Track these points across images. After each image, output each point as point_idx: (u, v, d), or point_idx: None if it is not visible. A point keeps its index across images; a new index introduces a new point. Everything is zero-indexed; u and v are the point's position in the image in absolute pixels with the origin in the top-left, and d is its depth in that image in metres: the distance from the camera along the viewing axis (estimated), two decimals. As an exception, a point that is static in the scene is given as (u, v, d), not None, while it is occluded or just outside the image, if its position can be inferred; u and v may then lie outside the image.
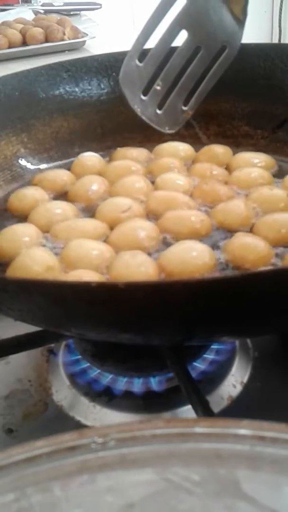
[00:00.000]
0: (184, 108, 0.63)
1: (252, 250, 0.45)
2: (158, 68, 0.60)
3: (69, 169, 0.63)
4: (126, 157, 0.64)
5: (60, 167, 0.67)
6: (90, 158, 0.64)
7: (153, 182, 0.58)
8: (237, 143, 0.67)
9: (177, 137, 0.69)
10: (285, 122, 0.66)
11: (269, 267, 0.45)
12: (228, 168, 0.62)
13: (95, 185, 0.58)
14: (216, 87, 0.68)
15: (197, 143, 0.68)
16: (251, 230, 0.50)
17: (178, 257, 0.44)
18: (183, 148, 0.66)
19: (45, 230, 0.51)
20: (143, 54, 0.59)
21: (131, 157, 0.64)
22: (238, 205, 0.52)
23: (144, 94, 0.60)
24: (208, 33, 0.59)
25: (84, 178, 0.59)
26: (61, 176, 0.61)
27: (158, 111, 0.61)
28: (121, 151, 0.65)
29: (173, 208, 0.52)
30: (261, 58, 0.68)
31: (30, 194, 0.57)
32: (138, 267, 0.43)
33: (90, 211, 0.56)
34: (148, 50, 0.59)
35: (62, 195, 0.59)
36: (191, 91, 0.63)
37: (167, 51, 0.59)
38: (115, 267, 0.44)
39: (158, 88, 0.60)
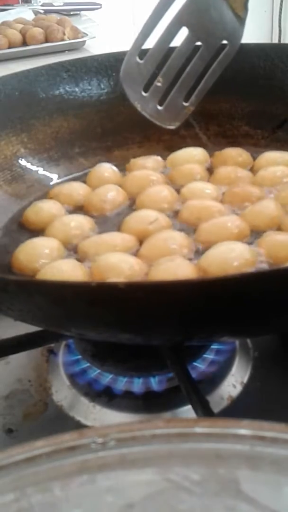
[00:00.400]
0: (185, 104, 0.63)
1: (285, 247, 0.46)
2: (159, 65, 0.60)
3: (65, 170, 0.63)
4: (142, 167, 0.63)
5: (60, 167, 0.67)
6: (106, 169, 0.63)
7: (177, 191, 0.58)
8: (237, 143, 0.67)
9: (176, 137, 0.69)
10: (285, 122, 0.66)
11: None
12: (252, 169, 0.62)
13: (110, 195, 0.57)
14: (216, 87, 0.68)
15: (197, 143, 0.69)
16: (278, 228, 0.50)
17: (218, 258, 0.44)
18: (197, 153, 0.65)
19: (63, 244, 0.51)
20: (143, 52, 0.59)
21: (146, 167, 0.63)
22: (267, 206, 0.52)
23: (145, 91, 0.60)
24: (208, 30, 0.59)
25: (100, 188, 0.59)
26: (77, 189, 0.60)
27: (159, 107, 0.61)
28: (136, 161, 0.65)
29: (207, 216, 0.51)
30: (261, 58, 0.68)
31: (47, 208, 0.57)
32: (176, 271, 0.43)
33: (106, 222, 0.55)
34: (148, 48, 0.59)
35: (79, 208, 0.58)
36: (191, 88, 0.63)
37: (167, 48, 0.59)
38: (153, 273, 0.44)
39: (159, 84, 0.60)
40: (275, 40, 2.76)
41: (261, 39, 0.70)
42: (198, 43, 0.60)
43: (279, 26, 2.76)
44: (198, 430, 0.20)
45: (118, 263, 0.45)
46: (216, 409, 0.44)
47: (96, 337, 0.42)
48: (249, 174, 0.60)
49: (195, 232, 0.50)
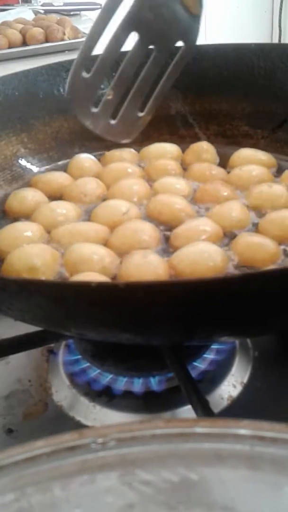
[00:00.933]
0: (140, 114, 0.58)
1: (259, 249, 0.46)
2: (108, 76, 0.55)
3: (65, 171, 0.63)
4: (118, 159, 0.63)
5: (60, 167, 0.67)
6: (86, 160, 0.64)
7: (151, 185, 0.58)
8: (237, 143, 0.67)
9: (176, 137, 0.69)
10: (285, 122, 0.66)
11: (278, 265, 0.45)
12: (230, 165, 0.62)
13: (90, 187, 0.58)
14: (216, 87, 0.68)
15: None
16: (256, 229, 0.50)
17: (190, 258, 0.44)
18: (170, 149, 0.65)
19: (48, 231, 0.51)
20: (90, 64, 0.53)
21: (123, 159, 0.63)
22: (234, 207, 0.51)
23: (95, 106, 0.54)
24: (160, 32, 0.53)
25: (78, 180, 0.59)
26: (56, 178, 0.61)
27: (112, 122, 0.56)
28: (113, 153, 0.65)
29: (171, 213, 0.52)
30: (261, 58, 0.68)
31: (31, 196, 0.57)
32: (148, 267, 0.43)
33: (88, 213, 0.55)
34: (95, 58, 0.53)
35: (59, 197, 0.58)
36: (146, 95, 0.57)
37: (116, 57, 0.53)
38: (124, 267, 0.44)
39: (110, 97, 0.54)
40: (275, 40, 2.76)
41: (261, 39, 0.69)
42: (150, 46, 0.54)
43: (279, 26, 2.76)
44: (198, 430, 0.20)
45: (90, 254, 0.45)
46: (216, 409, 0.44)
47: (96, 337, 0.42)
48: (223, 172, 0.60)
49: (170, 237, 0.50)
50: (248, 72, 0.68)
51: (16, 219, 0.55)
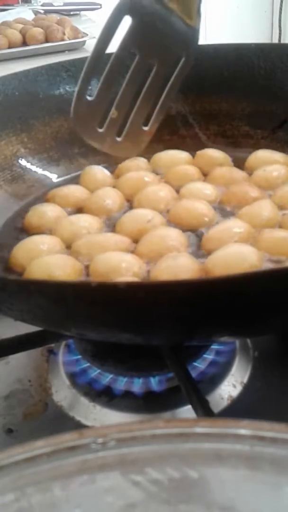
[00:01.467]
0: (145, 128, 0.58)
1: (285, 243, 0.46)
2: (111, 96, 0.55)
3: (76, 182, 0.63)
4: (133, 169, 0.63)
5: (59, 167, 0.67)
6: (99, 171, 0.63)
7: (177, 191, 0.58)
8: (237, 143, 0.68)
9: (176, 137, 0.69)
10: (285, 122, 0.66)
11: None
12: (246, 167, 0.62)
13: (112, 198, 0.57)
14: (216, 87, 0.68)
15: (196, 143, 0.69)
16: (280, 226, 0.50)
17: (224, 260, 0.44)
18: (182, 156, 0.65)
19: (69, 244, 0.51)
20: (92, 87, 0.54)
21: (138, 168, 0.63)
22: (264, 207, 0.52)
23: (100, 127, 0.55)
24: (160, 48, 0.53)
25: (99, 191, 0.58)
26: (73, 192, 0.60)
27: (118, 139, 0.57)
28: (125, 164, 0.64)
29: (193, 217, 0.52)
30: (261, 58, 0.68)
31: (50, 211, 0.56)
32: (178, 270, 0.43)
33: (109, 225, 0.55)
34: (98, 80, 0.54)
35: (78, 211, 0.58)
36: (150, 109, 0.58)
37: (118, 78, 0.54)
38: (155, 272, 0.44)
39: (114, 116, 0.55)
40: (275, 40, 2.76)
41: (261, 39, 0.69)
42: (151, 63, 0.55)
43: (279, 26, 2.76)
44: (198, 430, 0.20)
45: (119, 262, 0.45)
46: (216, 409, 0.44)
47: (96, 337, 0.42)
48: (244, 175, 0.60)
49: (202, 240, 0.50)
50: (248, 72, 0.68)
51: (35, 234, 0.55)
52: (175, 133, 0.69)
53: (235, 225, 0.49)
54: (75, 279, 0.45)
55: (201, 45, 0.61)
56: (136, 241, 0.50)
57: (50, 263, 0.46)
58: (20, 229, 0.57)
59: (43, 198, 0.62)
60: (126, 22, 0.52)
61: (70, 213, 0.57)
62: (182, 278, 0.42)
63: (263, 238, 0.47)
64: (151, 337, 0.37)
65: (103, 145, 0.56)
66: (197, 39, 0.55)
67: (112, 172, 0.64)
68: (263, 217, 0.51)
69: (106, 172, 0.64)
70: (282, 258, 0.45)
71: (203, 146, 0.67)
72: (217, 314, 0.32)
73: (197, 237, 0.51)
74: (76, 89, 0.53)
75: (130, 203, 0.58)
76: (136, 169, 0.63)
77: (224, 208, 0.55)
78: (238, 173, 0.60)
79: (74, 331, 0.38)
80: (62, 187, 0.62)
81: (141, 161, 0.64)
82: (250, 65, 0.68)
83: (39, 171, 0.67)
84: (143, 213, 0.53)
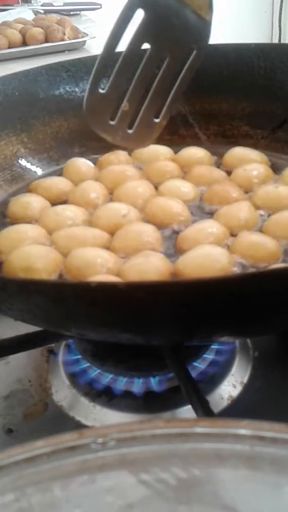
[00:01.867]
0: (156, 120, 0.58)
1: (260, 248, 0.46)
2: (123, 90, 0.55)
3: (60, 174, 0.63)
4: (114, 163, 0.63)
5: (59, 167, 0.67)
6: (83, 164, 0.64)
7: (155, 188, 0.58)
8: (237, 143, 0.67)
9: (176, 137, 0.69)
10: (285, 122, 0.66)
11: (280, 264, 0.45)
12: (224, 165, 0.62)
13: (96, 191, 0.57)
14: (216, 87, 0.68)
15: (196, 143, 0.69)
16: (261, 230, 0.50)
17: (195, 261, 0.44)
18: (163, 151, 0.65)
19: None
20: (104, 80, 0.54)
21: (120, 162, 0.63)
22: (242, 208, 0.52)
23: (112, 119, 0.55)
24: (173, 40, 0.54)
25: (83, 184, 0.59)
26: (56, 183, 0.60)
27: (129, 131, 0.57)
28: (107, 157, 0.65)
29: (167, 216, 0.52)
30: (261, 58, 0.68)
31: (34, 201, 0.56)
32: (149, 267, 0.43)
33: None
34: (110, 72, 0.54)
35: (59, 202, 0.58)
36: (161, 102, 0.58)
37: (130, 70, 0.54)
38: (126, 268, 0.44)
39: (126, 109, 0.55)
40: (275, 40, 2.76)
41: (261, 39, 0.69)
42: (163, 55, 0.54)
43: (279, 26, 2.76)
44: (198, 430, 0.20)
45: (94, 258, 0.45)
46: (216, 409, 0.44)
47: (96, 337, 0.43)
48: (224, 174, 0.60)
49: (177, 240, 0.50)
50: (248, 72, 0.68)
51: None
52: (175, 133, 0.69)
53: (211, 226, 0.49)
54: (53, 271, 0.45)
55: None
56: (112, 235, 0.50)
57: (31, 254, 0.46)
58: (6, 217, 0.57)
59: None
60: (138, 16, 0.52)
61: (52, 205, 0.57)
62: (150, 278, 0.42)
63: (238, 241, 0.47)
64: (151, 337, 0.37)
65: (115, 137, 0.56)
66: (209, 31, 0.55)
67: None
68: (240, 218, 0.50)
69: (90, 164, 0.64)
70: (257, 263, 0.45)
71: (203, 146, 0.67)
72: (216, 314, 0.32)
73: (173, 234, 0.51)
74: (89, 82, 0.53)
75: (112, 196, 0.58)
76: (117, 162, 0.63)
77: (203, 207, 0.55)
78: (218, 172, 0.60)
79: (74, 331, 0.38)
80: (45, 178, 0.62)
81: (121, 154, 0.64)
82: (250, 65, 0.68)
83: (39, 171, 0.67)
84: (118, 207, 0.53)
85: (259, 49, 0.69)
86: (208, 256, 0.44)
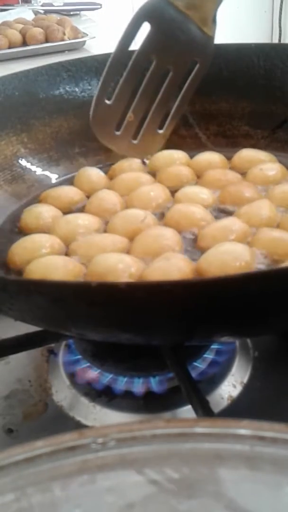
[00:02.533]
0: (160, 131, 0.60)
1: (281, 243, 0.46)
2: (128, 101, 0.57)
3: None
4: (127, 170, 0.63)
5: (59, 167, 0.67)
6: (94, 173, 0.63)
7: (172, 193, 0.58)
8: (237, 143, 0.67)
9: (176, 137, 0.69)
10: (285, 122, 0.66)
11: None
12: (233, 168, 0.62)
13: (113, 199, 0.57)
14: (216, 87, 0.68)
15: (196, 143, 0.69)
16: (278, 227, 0.50)
17: (219, 259, 0.44)
18: (178, 156, 0.65)
19: (67, 243, 0.51)
20: (110, 92, 0.56)
21: (132, 170, 0.63)
22: (262, 206, 0.52)
23: (117, 130, 0.57)
24: (176, 53, 0.55)
25: (100, 193, 0.58)
26: (66, 192, 0.60)
27: (134, 142, 0.58)
28: (120, 165, 0.64)
29: (192, 223, 0.51)
30: (261, 58, 0.68)
31: (45, 211, 0.56)
32: (170, 270, 0.43)
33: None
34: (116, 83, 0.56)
35: (69, 212, 0.57)
36: (165, 113, 0.60)
37: (136, 82, 0.55)
38: (148, 272, 0.44)
39: (131, 120, 0.57)
40: (275, 40, 2.76)
41: (261, 39, 0.69)
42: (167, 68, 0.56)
43: (279, 26, 2.76)
44: (198, 430, 0.20)
45: (116, 264, 0.45)
46: (216, 409, 0.44)
47: (96, 337, 0.42)
48: (238, 176, 0.60)
49: (197, 238, 0.50)
50: (248, 72, 0.68)
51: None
52: (175, 133, 0.69)
53: (231, 223, 0.49)
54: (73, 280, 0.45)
55: None
56: (131, 241, 0.50)
57: (49, 265, 0.46)
58: (19, 229, 0.57)
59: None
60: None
61: (63, 214, 0.57)
62: (174, 279, 0.42)
63: (260, 237, 0.47)
64: (151, 337, 0.37)
65: (120, 148, 0.58)
66: (211, 46, 0.56)
67: (106, 172, 0.64)
68: (262, 216, 0.51)
69: (101, 173, 0.63)
70: (279, 258, 0.45)
71: (203, 146, 0.67)
72: (217, 314, 0.32)
73: (192, 236, 0.51)
74: (96, 93, 0.55)
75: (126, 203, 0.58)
76: (129, 170, 0.63)
77: (222, 209, 0.55)
78: (233, 175, 0.60)
79: (74, 331, 0.38)
80: (55, 188, 0.62)
81: (134, 161, 0.64)
82: (250, 65, 0.68)
83: (39, 171, 0.67)
84: (135, 213, 0.53)
85: (259, 49, 0.69)
86: (231, 253, 0.44)
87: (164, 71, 0.55)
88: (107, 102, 0.55)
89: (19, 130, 0.66)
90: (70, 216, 0.55)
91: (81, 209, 0.58)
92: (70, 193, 0.60)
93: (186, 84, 0.57)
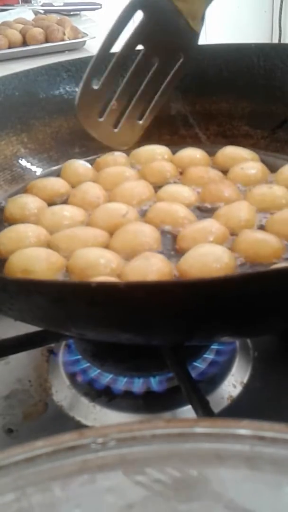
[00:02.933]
0: (139, 122, 0.60)
1: (263, 245, 0.46)
2: (114, 88, 0.58)
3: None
4: (111, 164, 0.64)
5: (59, 166, 0.67)
6: (80, 165, 0.64)
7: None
8: (237, 143, 0.68)
9: (176, 137, 0.70)
10: (285, 122, 0.66)
11: (283, 262, 0.45)
12: (217, 164, 0.63)
13: (96, 192, 0.57)
14: (216, 87, 0.68)
15: (196, 143, 0.69)
16: (261, 229, 0.50)
17: (199, 261, 0.44)
18: (160, 151, 0.65)
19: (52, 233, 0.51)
20: (98, 78, 0.56)
21: (117, 163, 0.64)
22: (241, 208, 0.52)
23: (100, 116, 0.58)
24: (164, 46, 0.56)
25: (83, 185, 0.58)
26: (52, 184, 0.60)
27: (115, 130, 0.59)
28: (104, 158, 0.65)
29: (175, 221, 0.52)
30: (261, 58, 0.68)
31: (30, 201, 0.56)
32: (151, 268, 0.43)
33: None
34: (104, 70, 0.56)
35: (54, 203, 0.58)
36: (146, 105, 0.60)
37: (123, 70, 0.56)
38: (127, 271, 0.44)
39: (114, 108, 0.58)
40: (275, 40, 2.76)
41: (261, 39, 0.69)
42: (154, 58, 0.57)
43: (279, 26, 2.76)
44: (198, 430, 0.20)
45: (97, 259, 0.45)
46: (216, 409, 0.44)
47: (96, 337, 0.43)
48: (220, 174, 0.60)
49: (177, 238, 0.50)
50: (248, 72, 0.68)
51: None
52: (175, 133, 0.69)
53: (211, 226, 0.49)
54: (54, 274, 0.45)
55: (201, 45, 0.62)
56: (111, 234, 0.50)
57: (31, 256, 0.46)
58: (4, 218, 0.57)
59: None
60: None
61: (49, 205, 0.57)
62: (151, 279, 0.42)
63: (240, 239, 0.47)
64: (151, 337, 0.37)
65: (100, 135, 0.58)
66: (196, 42, 0.57)
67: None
68: (241, 218, 0.51)
69: (87, 165, 0.64)
70: (258, 260, 0.46)
71: (202, 146, 0.67)
72: (217, 314, 0.32)
73: (172, 234, 0.51)
74: (84, 77, 0.54)
75: (109, 196, 0.58)
76: (114, 163, 0.63)
77: (200, 207, 0.55)
78: (214, 172, 0.60)
79: (74, 331, 0.38)
80: (41, 179, 0.62)
81: (119, 155, 0.64)
82: (250, 65, 0.68)
83: (39, 171, 0.67)
84: (118, 207, 0.53)
85: (259, 49, 0.69)
86: (211, 254, 0.44)
87: (149, 62, 0.56)
88: (94, 87, 0.55)
89: (19, 130, 0.66)
90: (56, 208, 0.55)
91: (66, 201, 0.58)
92: (57, 184, 0.60)
93: (168, 78, 0.57)
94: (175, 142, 0.68)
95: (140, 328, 0.35)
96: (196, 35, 0.56)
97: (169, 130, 0.70)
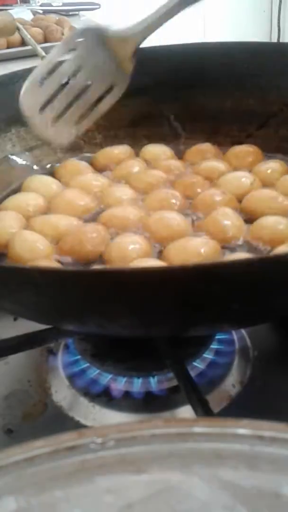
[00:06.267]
0: (75, 126, 0.62)
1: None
2: (54, 93, 0.60)
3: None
4: (109, 157, 0.66)
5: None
6: (77, 164, 0.66)
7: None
8: (221, 141, 0.67)
9: (171, 136, 0.70)
10: (268, 120, 0.66)
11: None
12: (185, 159, 0.65)
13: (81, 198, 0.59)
14: (215, 87, 0.68)
15: (180, 142, 0.69)
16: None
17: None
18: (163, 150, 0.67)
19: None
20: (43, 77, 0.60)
21: (112, 157, 0.66)
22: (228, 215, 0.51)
23: (41, 109, 0.60)
24: (97, 73, 0.60)
25: (66, 192, 0.60)
26: (49, 184, 0.62)
27: (50, 126, 0.61)
28: (104, 151, 0.67)
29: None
30: (247, 57, 0.68)
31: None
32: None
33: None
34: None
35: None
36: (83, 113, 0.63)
37: (62, 82, 0.60)
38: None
39: (54, 106, 0.61)
40: (274, 40, 2.76)
41: (260, 39, 0.69)
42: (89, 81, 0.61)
43: (278, 26, 2.76)
44: (198, 430, 0.20)
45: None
46: (215, 409, 0.44)
47: (94, 329, 0.42)
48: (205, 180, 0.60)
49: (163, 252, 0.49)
50: (234, 71, 0.68)
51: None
52: (159, 131, 0.69)
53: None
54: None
55: (186, 44, 0.66)
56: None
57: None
58: None
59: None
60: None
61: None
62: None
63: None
64: (151, 327, 0.37)
65: (37, 127, 0.60)
66: (127, 80, 0.60)
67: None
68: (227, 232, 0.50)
69: (86, 165, 0.65)
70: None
71: (187, 144, 0.67)
72: (216, 300, 0.32)
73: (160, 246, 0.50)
74: (31, 75, 0.58)
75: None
76: (77, 171, 0.65)
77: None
78: (197, 178, 0.60)
79: (72, 322, 0.38)
80: (37, 177, 0.64)
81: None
82: (235, 64, 0.68)
83: (38, 170, 0.67)
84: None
85: (245, 48, 0.69)
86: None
87: (86, 82, 0.60)
88: (39, 84, 0.59)
89: (13, 128, 0.67)
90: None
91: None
92: (53, 184, 0.62)
93: (101, 102, 0.61)
94: (158, 140, 0.68)
95: (139, 317, 0.34)
96: (126, 75, 0.60)
97: (153, 127, 0.70)
